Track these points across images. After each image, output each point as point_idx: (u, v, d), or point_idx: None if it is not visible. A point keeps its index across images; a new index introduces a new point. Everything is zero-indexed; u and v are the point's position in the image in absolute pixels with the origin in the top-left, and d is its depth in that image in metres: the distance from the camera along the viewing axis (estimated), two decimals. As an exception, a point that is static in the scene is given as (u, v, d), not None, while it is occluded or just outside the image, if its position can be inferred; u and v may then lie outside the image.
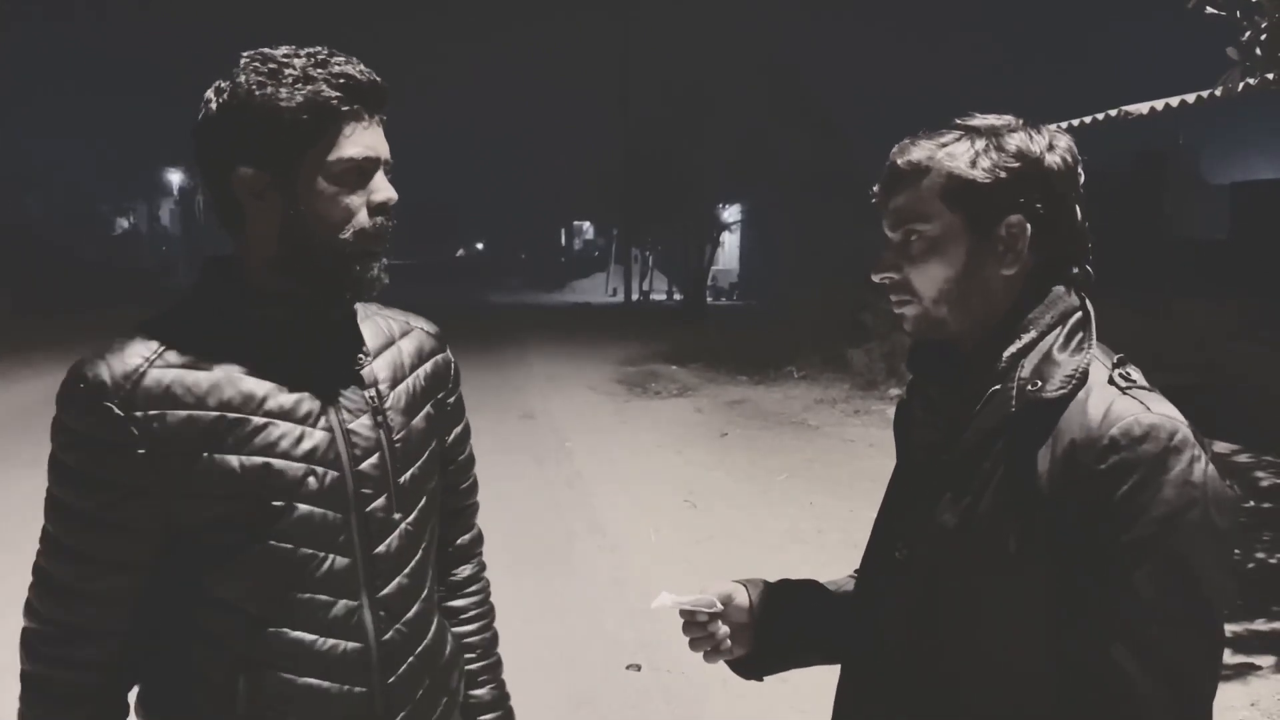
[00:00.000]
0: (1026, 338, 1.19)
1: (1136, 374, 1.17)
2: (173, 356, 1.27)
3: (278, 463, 1.27)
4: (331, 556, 1.31)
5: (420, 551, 1.42)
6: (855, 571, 1.49)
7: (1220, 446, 7.84)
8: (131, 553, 1.27)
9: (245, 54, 1.29)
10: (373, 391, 1.38)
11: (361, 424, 1.35)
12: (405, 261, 37.59)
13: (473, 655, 1.61)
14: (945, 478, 1.21)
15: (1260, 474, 7.33)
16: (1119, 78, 17.67)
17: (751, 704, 3.70)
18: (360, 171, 1.30)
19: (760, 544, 5.91)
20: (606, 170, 26.43)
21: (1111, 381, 1.15)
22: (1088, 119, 10.13)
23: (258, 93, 1.25)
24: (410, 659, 1.40)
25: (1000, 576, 1.14)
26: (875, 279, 1.27)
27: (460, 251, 56.13)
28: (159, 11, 36.01)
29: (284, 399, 1.30)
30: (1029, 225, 1.19)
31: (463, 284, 36.39)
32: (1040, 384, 1.15)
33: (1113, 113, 9.90)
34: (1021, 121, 1.23)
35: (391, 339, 1.46)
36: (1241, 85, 6.35)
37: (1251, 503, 6.59)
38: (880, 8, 23.70)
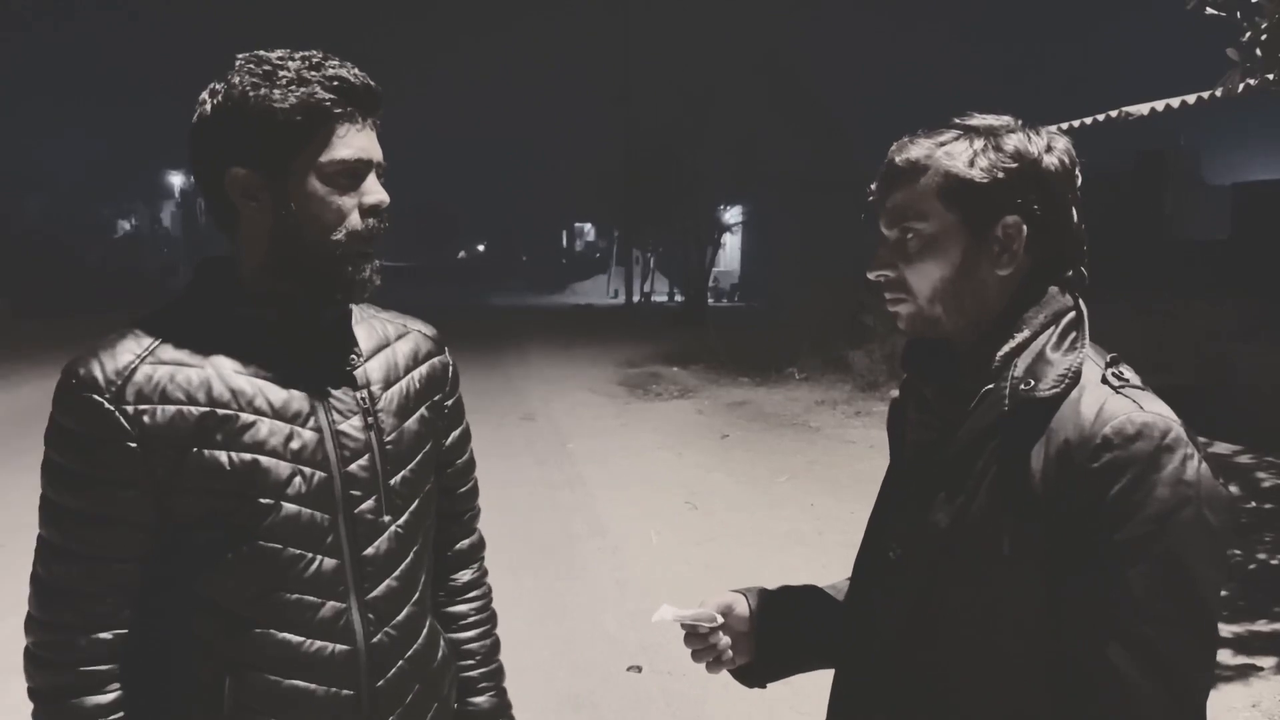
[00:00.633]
0: (1020, 337, 1.20)
1: (1129, 373, 1.17)
2: (164, 353, 1.28)
3: (266, 460, 1.28)
4: (319, 558, 1.31)
5: (411, 555, 1.42)
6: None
7: (1221, 447, 7.84)
8: (128, 547, 1.27)
9: (240, 56, 1.31)
10: (364, 393, 1.38)
11: (352, 425, 1.35)
12: (406, 263, 37.61)
13: (472, 662, 1.61)
14: (939, 477, 1.21)
15: (1261, 474, 7.32)
16: (1120, 78, 17.67)
17: (752, 705, 3.70)
18: (352, 173, 1.30)
19: (761, 546, 5.90)
20: (607, 172, 26.43)
21: (1104, 381, 1.15)
22: (1088, 119, 10.14)
23: (252, 94, 1.26)
24: (400, 662, 1.40)
25: (994, 576, 1.14)
26: (870, 276, 1.27)
27: (462, 254, 56.11)
28: (160, 13, 36.05)
29: (274, 397, 1.30)
30: (1025, 226, 1.19)
31: (464, 286, 36.41)
32: (1033, 383, 1.15)
33: (1113, 113, 9.90)
34: (1020, 122, 1.23)
35: (386, 341, 1.46)
36: (1242, 86, 6.35)
37: (1253, 503, 6.58)
38: (881, 8, 23.71)
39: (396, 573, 1.39)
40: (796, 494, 7.10)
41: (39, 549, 1.30)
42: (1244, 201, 9.96)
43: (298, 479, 1.29)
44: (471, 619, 1.62)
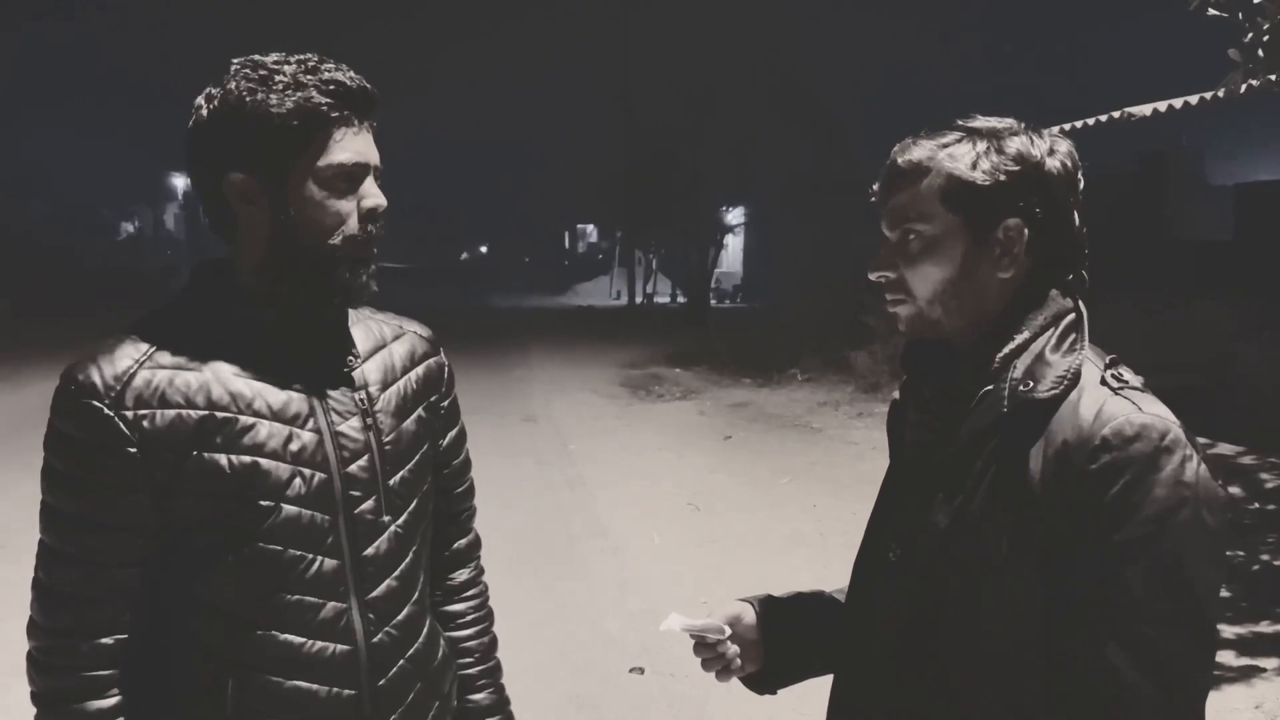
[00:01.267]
0: (1019, 339, 1.19)
1: (1129, 374, 1.17)
2: (162, 357, 1.28)
3: (265, 462, 1.28)
4: (319, 559, 1.32)
5: (411, 554, 1.42)
6: None
7: (1224, 448, 7.82)
8: (128, 551, 1.28)
9: (235, 61, 1.31)
10: (363, 394, 1.39)
11: (351, 426, 1.36)
12: (408, 265, 37.60)
13: (471, 660, 1.61)
14: (938, 478, 1.21)
15: (1265, 475, 7.31)
16: (1122, 79, 17.66)
17: (754, 707, 3.69)
18: (350, 177, 1.31)
19: (763, 547, 5.90)
20: (608, 172, 26.43)
21: (1104, 382, 1.15)
22: (1091, 120, 10.14)
23: (248, 99, 1.26)
24: (401, 662, 1.40)
25: (993, 577, 1.14)
26: (871, 277, 1.27)
27: (465, 255, 56.11)
28: (162, 15, 36.09)
29: (273, 400, 1.31)
30: (1026, 229, 1.19)
31: (466, 287, 36.39)
32: (1032, 385, 1.15)
33: (1115, 114, 9.91)
34: (1023, 125, 1.23)
35: (383, 342, 1.47)
36: (1244, 86, 6.34)
37: (1255, 504, 6.57)
38: (883, 8, 23.70)
39: (396, 572, 1.39)
40: (799, 495, 7.10)
41: (40, 554, 1.30)
42: (1246, 202, 9.95)
43: (297, 480, 1.30)
44: (469, 617, 1.63)
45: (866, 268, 1.29)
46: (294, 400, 1.32)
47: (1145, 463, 1.07)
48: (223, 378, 1.29)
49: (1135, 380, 1.17)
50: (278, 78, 1.27)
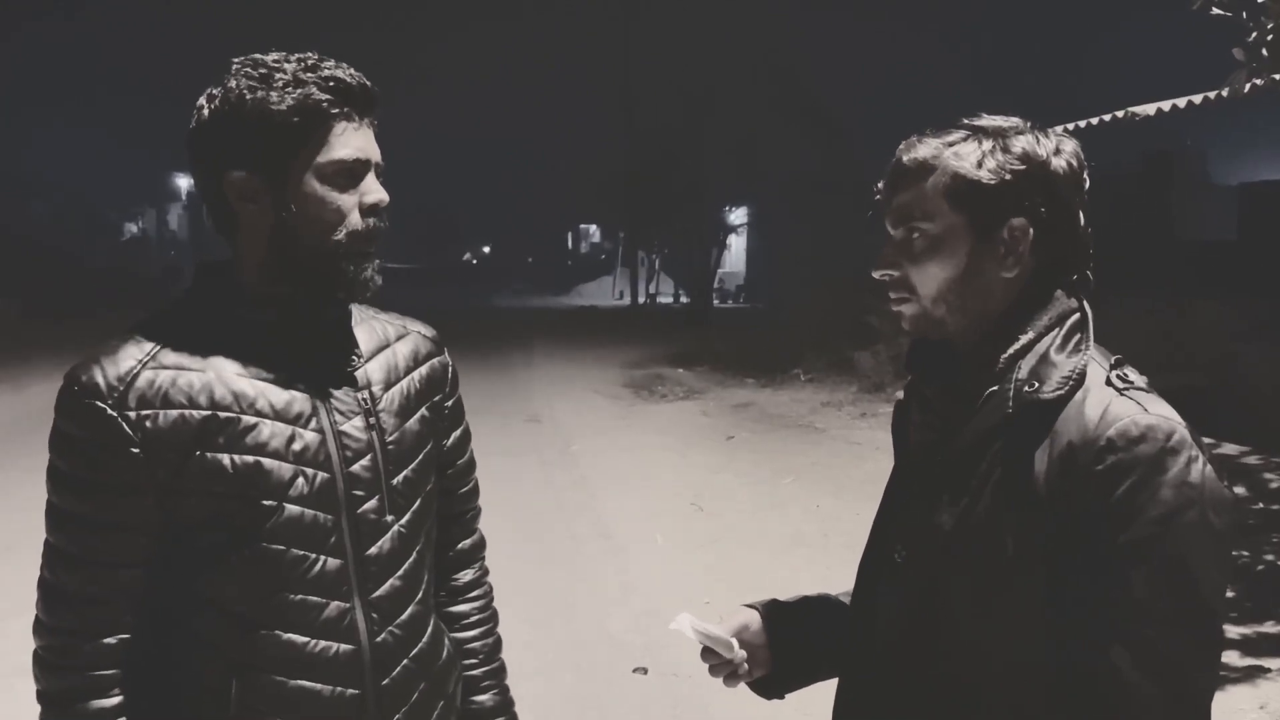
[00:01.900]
0: (1024, 339, 1.19)
1: (1134, 375, 1.17)
2: (166, 358, 1.28)
3: (268, 462, 1.28)
4: (323, 558, 1.32)
5: (414, 554, 1.42)
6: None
7: (1229, 448, 7.81)
8: (132, 552, 1.28)
9: (236, 59, 1.31)
10: (366, 394, 1.39)
11: (354, 426, 1.36)
12: (410, 265, 37.62)
13: (475, 661, 1.61)
14: (942, 479, 1.21)
15: (1270, 475, 7.30)
16: (1125, 79, 17.64)
17: (757, 707, 3.69)
18: (351, 173, 1.31)
19: (766, 547, 5.90)
20: (609, 172, 26.44)
21: (1109, 383, 1.14)
22: (1095, 120, 10.13)
23: (249, 97, 1.26)
24: (405, 661, 1.40)
25: (998, 578, 1.14)
26: (875, 275, 1.27)
27: (467, 255, 56.10)
28: (163, 15, 36.12)
29: (275, 399, 1.31)
30: (1031, 229, 1.19)
31: (468, 287, 36.43)
32: (1037, 385, 1.14)
33: (1119, 114, 9.90)
34: (1029, 124, 1.22)
35: (387, 342, 1.47)
36: (1248, 86, 6.32)
37: (1261, 504, 6.56)
38: (885, 9, 23.68)
39: (400, 572, 1.39)
40: (802, 495, 7.10)
41: (45, 554, 1.31)
42: (1250, 202, 9.94)
43: (300, 480, 1.30)
44: (473, 618, 1.63)
45: (869, 268, 1.28)
46: (297, 400, 1.32)
47: (1151, 464, 1.07)
48: (226, 377, 1.29)
49: (1140, 381, 1.16)
50: (278, 75, 1.27)
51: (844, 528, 6.11)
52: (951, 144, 1.21)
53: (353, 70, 1.32)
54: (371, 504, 1.36)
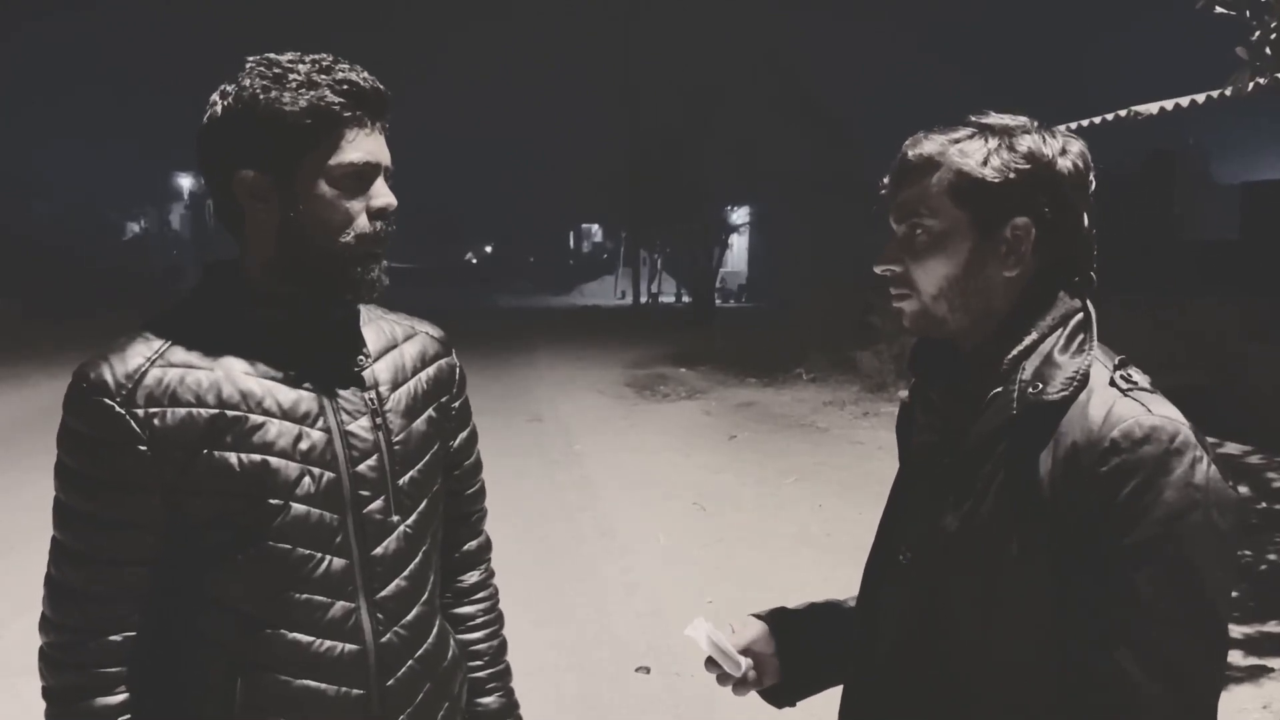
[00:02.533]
0: (1027, 340, 1.19)
1: (1138, 376, 1.16)
2: (174, 356, 1.29)
3: (275, 461, 1.28)
4: (328, 558, 1.32)
5: (420, 555, 1.42)
6: None
7: (1232, 447, 7.81)
8: (139, 550, 1.28)
9: (250, 59, 1.31)
10: (373, 394, 1.39)
11: (360, 425, 1.36)
12: (411, 265, 37.63)
13: (480, 663, 1.61)
14: (947, 481, 1.21)
15: (1272, 475, 7.29)
16: (1128, 78, 17.61)
17: (760, 708, 3.69)
18: (360, 177, 1.31)
19: (769, 547, 5.90)
20: (610, 172, 26.44)
21: (1113, 383, 1.14)
22: (1097, 119, 10.12)
23: (262, 97, 1.26)
24: (410, 662, 1.40)
25: (1003, 579, 1.14)
26: (877, 270, 1.27)
27: (469, 255, 56.09)
28: (163, 15, 36.12)
29: (283, 398, 1.31)
30: (1035, 228, 1.18)
31: (470, 287, 36.44)
32: (1041, 386, 1.14)
33: (1122, 113, 9.89)
34: (1036, 123, 1.22)
35: (394, 342, 1.47)
36: (1251, 85, 6.32)
37: (1263, 504, 6.56)
38: (885, 9, 23.68)
39: (405, 572, 1.39)
40: (805, 495, 7.10)
41: (52, 550, 1.31)
42: (1253, 201, 9.93)
43: (306, 479, 1.30)
44: (479, 620, 1.63)
45: (871, 267, 1.28)
46: (304, 399, 1.32)
47: (1155, 465, 1.07)
48: (233, 376, 1.30)
49: (1144, 381, 1.16)
50: (292, 76, 1.27)
51: (847, 527, 6.11)
52: (957, 141, 1.20)
53: (366, 74, 1.32)
54: (377, 504, 1.36)
